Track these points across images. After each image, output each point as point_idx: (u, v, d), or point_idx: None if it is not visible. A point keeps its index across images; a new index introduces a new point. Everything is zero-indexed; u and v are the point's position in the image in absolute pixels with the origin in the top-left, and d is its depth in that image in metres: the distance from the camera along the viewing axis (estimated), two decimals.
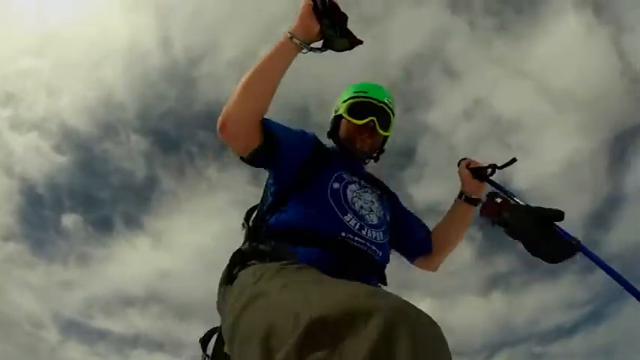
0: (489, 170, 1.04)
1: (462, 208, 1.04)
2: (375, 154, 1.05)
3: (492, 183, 1.02)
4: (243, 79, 0.80)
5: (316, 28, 0.84)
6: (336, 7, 0.86)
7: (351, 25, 0.87)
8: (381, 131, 0.99)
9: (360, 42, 0.89)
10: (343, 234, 0.80)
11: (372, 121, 0.97)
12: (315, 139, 0.96)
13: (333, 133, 1.04)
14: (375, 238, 0.84)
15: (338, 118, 1.03)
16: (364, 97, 1.00)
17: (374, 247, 0.84)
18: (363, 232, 0.83)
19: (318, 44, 0.88)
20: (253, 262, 0.72)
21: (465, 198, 1.04)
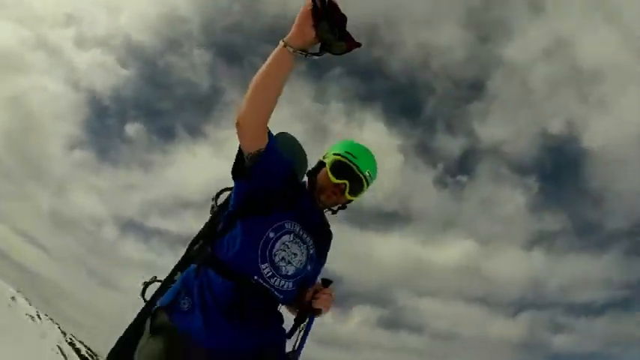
0: (308, 320, 1.18)
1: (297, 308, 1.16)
2: (335, 208, 1.18)
3: (307, 327, 1.15)
4: (253, 83, 0.92)
5: (312, 34, 0.87)
6: (335, 7, 0.86)
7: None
8: (348, 196, 1.11)
9: (359, 45, 0.90)
10: (256, 277, 1.01)
11: (345, 184, 1.09)
12: (292, 172, 1.09)
13: (312, 173, 1.16)
14: (282, 286, 1.04)
15: (322, 165, 1.15)
16: (350, 161, 1.11)
17: (276, 293, 1.04)
18: (272, 281, 1.03)
19: (317, 48, 0.91)
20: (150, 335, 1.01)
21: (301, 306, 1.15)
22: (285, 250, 1.05)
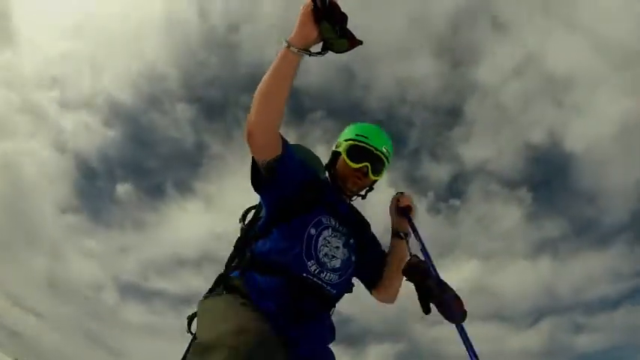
0: (411, 215, 1.13)
1: (394, 242, 1.18)
2: (363, 193, 1.19)
3: (412, 225, 1.12)
4: (259, 92, 0.91)
5: (314, 34, 0.87)
6: (336, 6, 0.87)
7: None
8: (372, 177, 1.11)
9: (360, 42, 0.90)
10: (304, 274, 0.97)
11: (366, 166, 1.09)
12: (314, 169, 1.08)
13: (330, 166, 1.16)
14: (331, 279, 1.00)
15: (337, 155, 1.15)
16: (364, 142, 1.11)
17: (328, 287, 1.00)
18: (322, 275, 0.99)
19: (318, 47, 0.90)
20: (225, 292, 0.96)
21: (394, 233, 1.17)
22: (327, 246, 1.02)
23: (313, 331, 0.96)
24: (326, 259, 1.01)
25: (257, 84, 0.91)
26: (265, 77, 0.90)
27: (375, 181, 1.16)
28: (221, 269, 1.07)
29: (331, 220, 1.05)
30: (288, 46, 0.87)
